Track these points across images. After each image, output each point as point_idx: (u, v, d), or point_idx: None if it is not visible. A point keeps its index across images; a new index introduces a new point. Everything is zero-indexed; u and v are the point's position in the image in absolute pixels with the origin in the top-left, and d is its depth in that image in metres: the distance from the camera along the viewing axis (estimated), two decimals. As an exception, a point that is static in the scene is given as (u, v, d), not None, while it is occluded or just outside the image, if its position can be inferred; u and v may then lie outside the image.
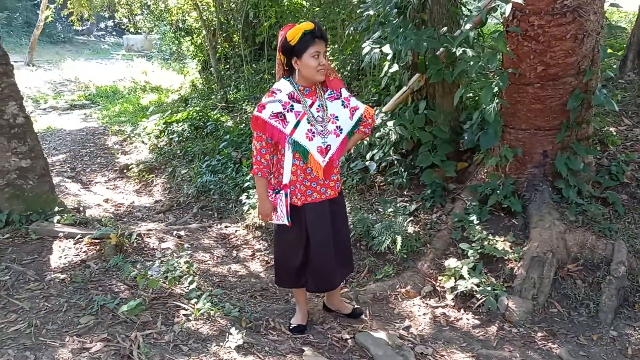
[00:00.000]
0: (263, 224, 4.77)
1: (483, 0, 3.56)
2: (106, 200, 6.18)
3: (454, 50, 3.65)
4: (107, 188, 6.82)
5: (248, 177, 5.33)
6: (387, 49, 3.89)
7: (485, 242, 3.55)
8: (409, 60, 4.26)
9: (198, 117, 8.08)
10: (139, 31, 15.72)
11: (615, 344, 2.95)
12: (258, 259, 4.37)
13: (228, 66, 11.27)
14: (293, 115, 2.49)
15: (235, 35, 10.68)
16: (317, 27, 2.43)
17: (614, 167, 3.74)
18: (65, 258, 3.52)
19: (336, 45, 8.49)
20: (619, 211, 3.53)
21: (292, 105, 2.49)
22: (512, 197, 3.72)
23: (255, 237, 4.74)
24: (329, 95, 2.61)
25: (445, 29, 4.00)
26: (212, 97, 10.08)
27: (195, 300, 3.12)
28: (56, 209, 4.02)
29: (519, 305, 3.23)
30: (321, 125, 2.56)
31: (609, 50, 6.33)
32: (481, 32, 4.21)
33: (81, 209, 4.63)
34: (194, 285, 3.35)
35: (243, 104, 8.91)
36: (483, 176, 3.98)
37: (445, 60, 3.85)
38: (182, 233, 4.78)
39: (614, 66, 5.57)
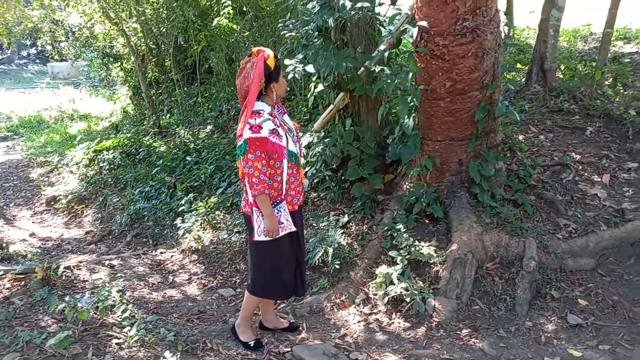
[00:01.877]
0: (199, 247, 4.76)
1: (396, 24, 3.82)
2: (32, 235, 5.91)
3: (372, 68, 3.88)
4: (33, 222, 6.53)
5: (182, 201, 5.30)
6: (310, 68, 4.07)
7: (412, 248, 3.75)
8: (333, 80, 4.46)
9: (129, 144, 7.92)
10: (64, 58, 15.20)
11: (530, 333, 3.21)
12: (195, 282, 4.35)
13: (160, 91, 11.14)
14: (281, 129, 2.73)
15: (166, 60, 10.60)
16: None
17: (521, 171, 4.09)
18: (-14, 296, 3.36)
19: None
20: (528, 211, 3.85)
21: (276, 120, 2.74)
22: (434, 204, 3.97)
23: (192, 261, 4.72)
24: (280, 110, 2.91)
25: (361, 48, 4.24)
26: (145, 122, 9.92)
27: (128, 328, 3.08)
28: (-25, 246, 3.84)
29: (445, 305, 3.44)
30: (292, 134, 2.85)
31: (518, 65, 6.93)
32: (398, 52, 4.49)
33: (4, 245, 4.43)
34: (127, 314, 3.30)
35: (177, 129, 8.83)
36: (408, 186, 4.21)
37: (367, 78, 4.08)
38: (114, 262, 4.67)
39: (522, 80, 6.09)
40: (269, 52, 2.72)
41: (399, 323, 3.46)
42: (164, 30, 10.18)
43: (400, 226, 3.96)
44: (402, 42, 4.01)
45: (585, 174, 4.24)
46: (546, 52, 5.60)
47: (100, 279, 4.19)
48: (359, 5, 3.85)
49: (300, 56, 4.45)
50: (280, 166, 2.78)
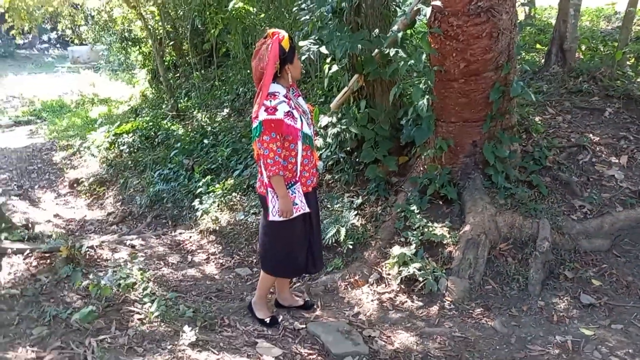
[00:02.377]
0: (217, 228, 4.87)
1: (411, 4, 3.80)
2: (56, 216, 6.10)
3: (386, 51, 3.88)
4: (57, 204, 6.72)
5: (200, 183, 5.40)
6: (324, 49, 4.08)
7: (425, 229, 3.79)
8: (348, 62, 4.47)
9: (149, 127, 8.06)
10: (84, 42, 15.38)
11: (542, 312, 3.24)
12: (213, 262, 4.47)
13: (178, 75, 11.24)
14: (296, 111, 2.77)
15: (184, 43, 10.67)
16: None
17: (537, 152, 4.07)
18: (15, 274, 3.51)
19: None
20: (543, 192, 3.85)
21: (291, 102, 2.77)
22: (448, 186, 3.99)
23: (210, 241, 4.83)
24: (295, 93, 2.94)
25: (377, 31, 4.23)
26: (163, 106, 10.05)
27: (149, 304, 3.20)
28: (2, 226, 3.99)
29: (457, 285, 3.48)
30: (307, 117, 2.89)
31: (537, 46, 6.81)
32: (413, 32, 4.47)
33: (30, 225, 4.59)
34: (147, 291, 3.42)
35: (194, 112, 8.94)
36: (422, 168, 4.23)
37: (381, 60, 4.08)
38: (135, 243, 4.81)
39: (542, 60, 5.99)
40: (283, 34, 2.75)
41: (412, 302, 3.52)
42: (181, 13, 10.24)
43: (414, 207, 4.00)
44: (416, 23, 3.99)
45: (603, 156, 4.19)
46: (566, 32, 5.49)
47: (122, 258, 4.34)
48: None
49: (314, 37, 4.46)
50: (295, 148, 2.83)
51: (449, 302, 3.44)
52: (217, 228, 4.87)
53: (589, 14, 8.24)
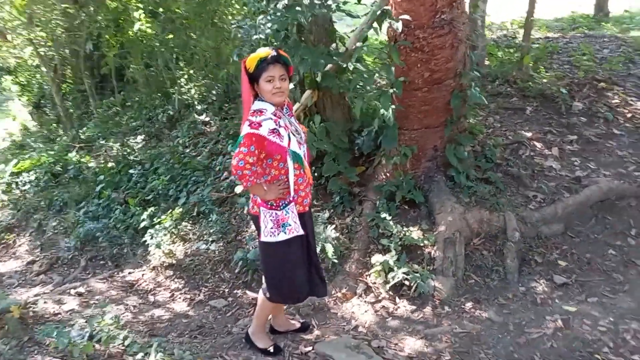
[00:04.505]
0: (174, 262, 4.53)
1: (365, 19, 3.92)
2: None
3: (345, 65, 3.95)
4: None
5: (144, 216, 4.99)
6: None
7: (402, 234, 3.89)
8: (301, 78, 4.46)
9: (53, 163, 7.26)
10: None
11: (526, 297, 3.49)
12: (180, 298, 4.15)
13: (70, 102, 10.30)
14: (284, 129, 2.63)
15: (76, 69, 9.82)
16: (275, 52, 2.61)
17: (488, 151, 4.40)
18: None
19: (192, 71, 8.39)
20: (500, 187, 4.17)
21: (279, 121, 2.64)
22: (414, 191, 4.14)
23: (168, 277, 4.48)
24: (288, 112, 2.83)
25: (322, 46, 4.29)
26: (59, 138, 9.14)
27: (140, 355, 2.88)
28: None
29: (444, 284, 3.62)
30: (299, 136, 2.77)
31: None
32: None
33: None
34: (129, 341, 3.08)
35: (102, 141, 8.24)
36: (384, 176, 4.35)
37: (338, 75, 4.13)
38: (81, 290, 4.30)
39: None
40: (254, 54, 2.67)
41: (405, 307, 3.59)
42: (76, 37, 9.43)
43: (384, 215, 4.08)
44: (367, 38, 4.12)
45: (538, 149, 4.66)
46: (477, 40, 6.04)
47: (74, 309, 3.86)
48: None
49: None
50: (285, 166, 2.75)
51: (439, 302, 3.56)
52: (174, 262, 4.53)
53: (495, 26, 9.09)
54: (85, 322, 3.22)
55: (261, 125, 2.59)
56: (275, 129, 2.63)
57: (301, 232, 2.78)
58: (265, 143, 2.59)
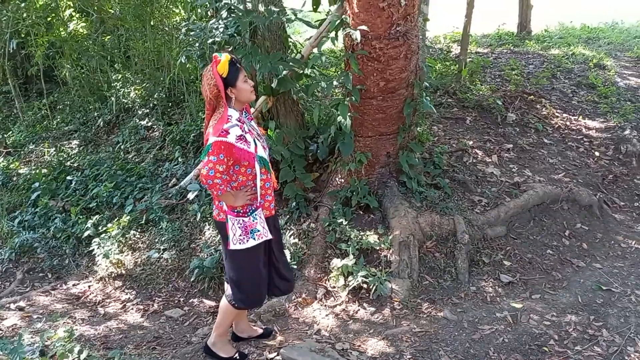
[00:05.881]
0: (123, 272, 4.36)
1: (320, 28, 4.01)
2: None
3: (302, 71, 4.03)
4: None
5: (88, 225, 4.75)
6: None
7: (359, 238, 4.00)
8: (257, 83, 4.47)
9: (-25, 170, 6.72)
10: None
11: (477, 296, 3.71)
12: (132, 309, 4.00)
13: (-8, 105, 9.57)
14: (249, 135, 2.65)
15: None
16: (234, 56, 2.64)
17: (436, 158, 4.64)
18: None
19: (129, 74, 8.10)
20: (448, 192, 4.40)
21: (244, 127, 2.65)
22: (368, 196, 4.27)
23: (117, 287, 4.30)
24: (248, 116, 2.84)
25: (278, 52, 4.34)
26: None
27: (100, 369, 2.76)
28: None
29: (401, 286, 3.77)
30: (262, 140, 2.79)
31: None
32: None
33: None
34: (84, 354, 2.94)
35: (31, 147, 7.74)
36: (339, 182, 4.45)
37: (295, 80, 4.19)
38: (22, 304, 4.03)
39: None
40: (221, 57, 2.65)
41: (364, 309, 3.68)
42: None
43: (341, 220, 4.18)
44: (323, 44, 4.21)
45: (479, 157, 4.97)
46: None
47: (16, 324, 3.62)
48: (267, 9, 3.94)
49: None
50: (252, 172, 2.77)
51: (397, 303, 3.69)
52: (123, 272, 4.35)
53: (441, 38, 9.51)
54: (32, 337, 3.04)
55: (229, 133, 2.59)
56: (242, 135, 2.64)
57: (270, 236, 2.81)
58: (233, 150, 2.59)
